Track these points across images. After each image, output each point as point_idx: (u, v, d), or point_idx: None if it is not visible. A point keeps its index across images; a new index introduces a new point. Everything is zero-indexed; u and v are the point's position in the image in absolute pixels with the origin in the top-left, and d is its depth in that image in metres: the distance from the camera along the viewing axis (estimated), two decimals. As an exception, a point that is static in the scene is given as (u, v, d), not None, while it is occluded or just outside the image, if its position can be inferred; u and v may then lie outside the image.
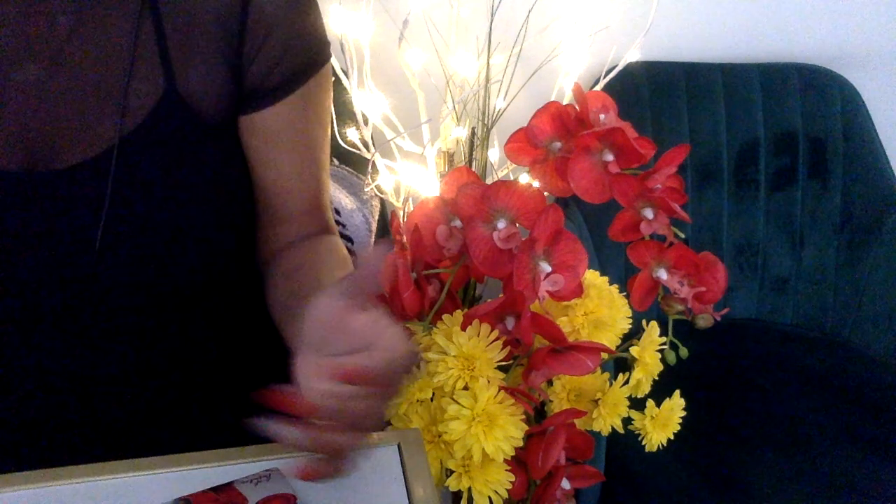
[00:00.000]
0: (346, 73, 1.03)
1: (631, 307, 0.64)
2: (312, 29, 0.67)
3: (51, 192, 0.60)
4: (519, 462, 0.58)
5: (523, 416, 0.55)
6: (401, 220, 0.83)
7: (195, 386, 0.70)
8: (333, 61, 1.03)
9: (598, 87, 1.13)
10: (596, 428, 0.62)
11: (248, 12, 0.63)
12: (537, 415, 0.63)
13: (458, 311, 0.60)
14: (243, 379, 0.75)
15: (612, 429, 0.62)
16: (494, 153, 1.06)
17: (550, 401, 0.63)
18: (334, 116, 1.01)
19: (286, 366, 0.83)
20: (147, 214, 0.62)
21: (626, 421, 0.63)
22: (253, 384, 0.77)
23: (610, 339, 0.63)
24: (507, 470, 0.56)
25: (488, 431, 0.53)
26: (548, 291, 0.57)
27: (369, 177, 1.02)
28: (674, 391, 0.63)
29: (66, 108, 0.60)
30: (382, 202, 1.08)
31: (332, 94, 0.73)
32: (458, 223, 0.61)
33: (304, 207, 0.71)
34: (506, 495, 0.56)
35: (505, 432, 0.53)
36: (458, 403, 0.53)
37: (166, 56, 0.61)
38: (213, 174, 0.65)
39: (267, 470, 0.45)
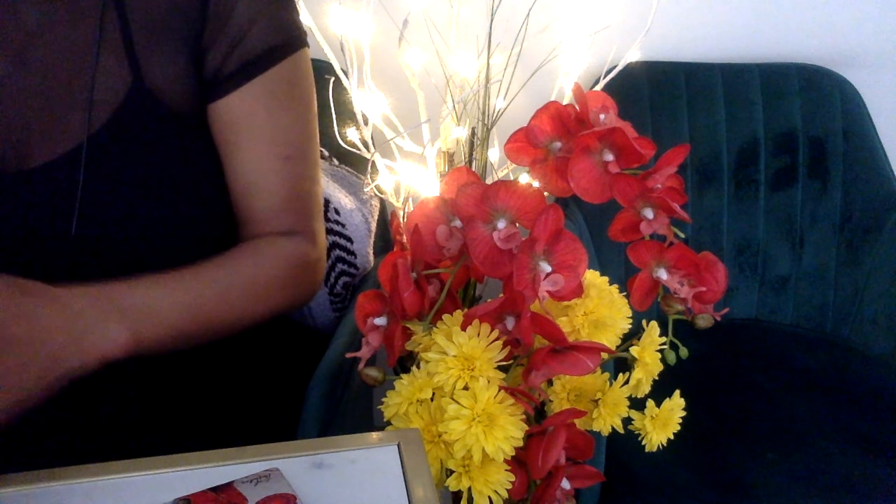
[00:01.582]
0: (346, 73, 1.02)
1: (631, 307, 0.64)
2: (276, 17, 0.66)
3: (24, 191, 0.60)
4: (519, 462, 0.58)
5: (523, 416, 0.55)
6: (401, 220, 0.83)
7: (194, 385, 0.70)
8: (333, 61, 1.03)
9: (598, 87, 1.13)
10: (596, 428, 0.62)
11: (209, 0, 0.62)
12: (537, 415, 0.63)
13: (458, 311, 0.60)
14: (242, 379, 0.75)
15: (612, 429, 0.62)
16: (494, 153, 1.06)
17: (550, 401, 0.63)
18: (334, 116, 1.01)
19: (283, 365, 0.83)
20: (120, 208, 0.61)
21: (626, 421, 0.63)
22: (251, 384, 0.77)
23: (610, 339, 0.63)
24: (507, 470, 0.56)
25: (488, 431, 0.53)
26: (548, 291, 0.57)
27: (369, 177, 1.02)
28: (674, 391, 0.63)
29: (34, 104, 0.60)
30: (382, 202, 1.08)
31: (309, 92, 0.71)
32: (458, 223, 0.61)
33: (267, 208, 0.69)
34: (506, 495, 0.56)
35: (505, 432, 0.53)
36: (458, 403, 0.53)
37: (132, 49, 0.61)
38: (184, 166, 0.65)
39: (267, 470, 0.45)
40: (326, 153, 1.03)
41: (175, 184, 0.64)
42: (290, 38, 0.67)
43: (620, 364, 0.64)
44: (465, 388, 0.54)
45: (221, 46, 0.63)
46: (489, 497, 0.55)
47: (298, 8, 0.71)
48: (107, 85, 0.60)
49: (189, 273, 0.61)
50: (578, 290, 0.59)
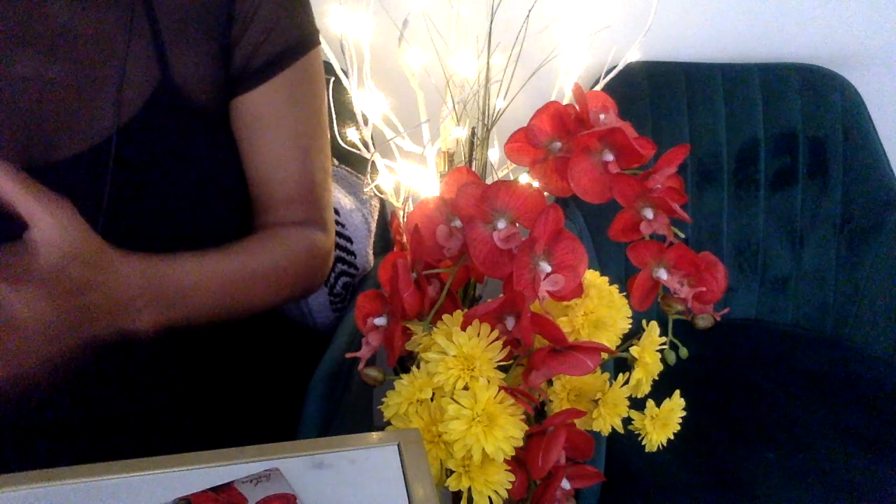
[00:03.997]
0: (346, 73, 1.02)
1: (631, 307, 0.64)
2: (297, 13, 0.68)
3: (51, 184, 0.60)
4: (519, 462, 0.58)
5: (523, 416, 0.55)
6: (401, 220, 0.82)
7: (194, 385, 0.70)
8: (333, 61, 1.03)
9: (598, 87, 1.13)
10: (596, 428, 0.62)
11: None
12: (537, 415, 0.63)
13: (458, 311, 0.60)
14: (241, 379, 0.75)
15: (612, 429, 0.62)
16: (494, 153, 1.06)
17: (550, 401, 0.63)
18: (334, 116, 1.01)
19: (283, 365, 0.83)
20: (146, 201, 0.62)
21: (626, 421, 0.63)
22: (251, 384, 0.77)
23: (610, 339, 0.63)
24: (507, 470, 0.56)
25: (488, 431, 0.53)
26: (548, 291, 0.57)
27: (369, 177, 1.02)
28: (674, 391, 0.63)
29: (62, 99, 0.60)
30: (382, 202, 1.08)
31: (322, 87, 0.73)
32: (458, 223, 0.61)
33: (286, 197, 0.71)
34: (506, 495, 0.56)
35: (505, 432, 0.53)
36: (458, 403, 0.53)
37: (160, 45, 0.62)
38: (210, 160, 0.66)
39: (267, 470, 0.45)
40: (326, 153, 1.03)
41: (199, 177, 0.65)
42: (309, 36, 0.70)
43: (620, 364, 0.64)
44: (465, 388, 0.54)
45: (248, 43, 0.65)
46: (489, 497, 0.55)
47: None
48: (136, 80, 0.61)
49: (222, 259, 0.63)
50: (578, 290, 0.59)
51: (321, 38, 0.72)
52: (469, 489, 0.55)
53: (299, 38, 0.68)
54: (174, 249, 0.65)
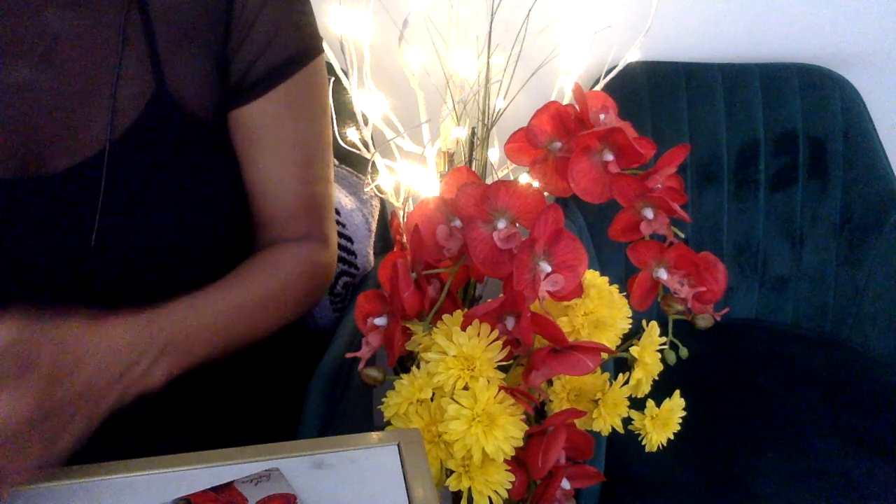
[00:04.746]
0: (346, 73, 1.02)
1: (631, 307, 0.64)
2: (298, 23, 0.66)
3: (44, 197, 0.60)
4: (519, 462, 0.58)
5: (523, 416, 0.55)
6: (401, 220, 0.82)
7: (194, 385, 0.70)
8: (333, 61, 1.03)
9: (598, 87, 1.13)
10: (596, 428, 0.62)
11: (233, 5, 0.62)
12: (537, 415, 0.63)
13: (458, 311, 0.60)
14: (241, 379, 0.75)
15: (612, 429, 0.62)
16: (494, 153, 1.06)
17: (550, 401, 0.63)
18: (334, 116, 1.01)
19: (283, 365, 0.83)
20: (141, 215, 0.61)
21: (626, 421, 0.63)
22: (251, 384, 0.77)
23: (610, 339, 0.63)
24: (507, 470, 0.56)
25: (488, 431, 0.53)
26: (548, 291, 0.57)
27: (369, 177, 1.02)
28: (674, 391, 0.63)
29: (56, 110, 0.59)
30: (382, 202, 1.08)
31: (325, 96, 0.72)
32: (458, 223, 0.61)
33: (287, 212, 0.69)
34: (506, 495, 0.56)
35: (505, 432, 0.53)
36: (458, 403, 0.53)
37: (155, 55, 0.61)
38: (206, 173, 0.65)
39: (267, 470, 0.45)
40: (327, 153, 1.03)
41: (194, 191, 0.64)
42: (311, 45, 0.68)
43: (620, 364, 0.64)
44: (465, 388, 0.54)
45: (247, 54, 0.64)
46: (489, 497, 0.55)
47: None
48: (130, 91, 0.60)
49: (219, 297, 0.62)
50: (578, 290, 0.59)
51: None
52: (469, 489, 0.55)
53: (300, 48, 0.66)
54: (170, 265, 0.64)
